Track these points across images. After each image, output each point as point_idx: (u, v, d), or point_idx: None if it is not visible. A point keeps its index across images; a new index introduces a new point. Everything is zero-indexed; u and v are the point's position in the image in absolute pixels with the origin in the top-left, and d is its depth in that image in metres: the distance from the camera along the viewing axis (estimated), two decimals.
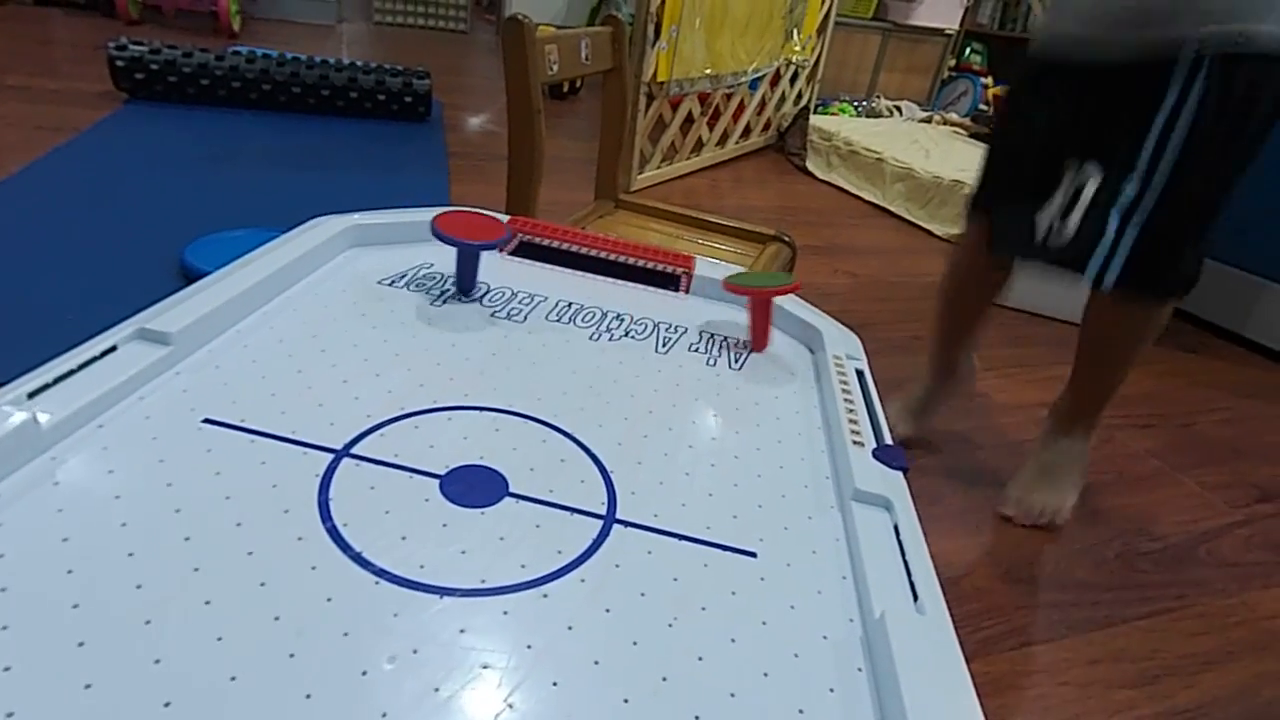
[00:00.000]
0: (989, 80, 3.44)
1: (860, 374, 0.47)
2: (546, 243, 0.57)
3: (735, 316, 0.54)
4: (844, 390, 0.44)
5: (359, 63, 2.32)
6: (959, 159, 2.47)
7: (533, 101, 0.81)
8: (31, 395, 0.30)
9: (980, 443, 1.23)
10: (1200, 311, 1.83)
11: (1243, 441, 1.36)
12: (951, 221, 2.22)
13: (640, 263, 0.57)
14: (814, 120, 2.76)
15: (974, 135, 2.89)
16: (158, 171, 1.73)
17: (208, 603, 0.24)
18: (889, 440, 0.40)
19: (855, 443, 0.39)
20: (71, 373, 0.32)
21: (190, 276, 1.25)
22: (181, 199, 1.62)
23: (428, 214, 0.56)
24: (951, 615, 0.30)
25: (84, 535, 0.26)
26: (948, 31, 3.37)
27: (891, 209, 2.39)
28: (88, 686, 0.21)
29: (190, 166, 1.80)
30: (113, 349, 0.34)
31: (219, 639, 0.23)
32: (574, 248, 0.57)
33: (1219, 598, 0.95)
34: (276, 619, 0.24)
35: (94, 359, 0.33)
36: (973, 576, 0.92)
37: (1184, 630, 0.89)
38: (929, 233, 2.26)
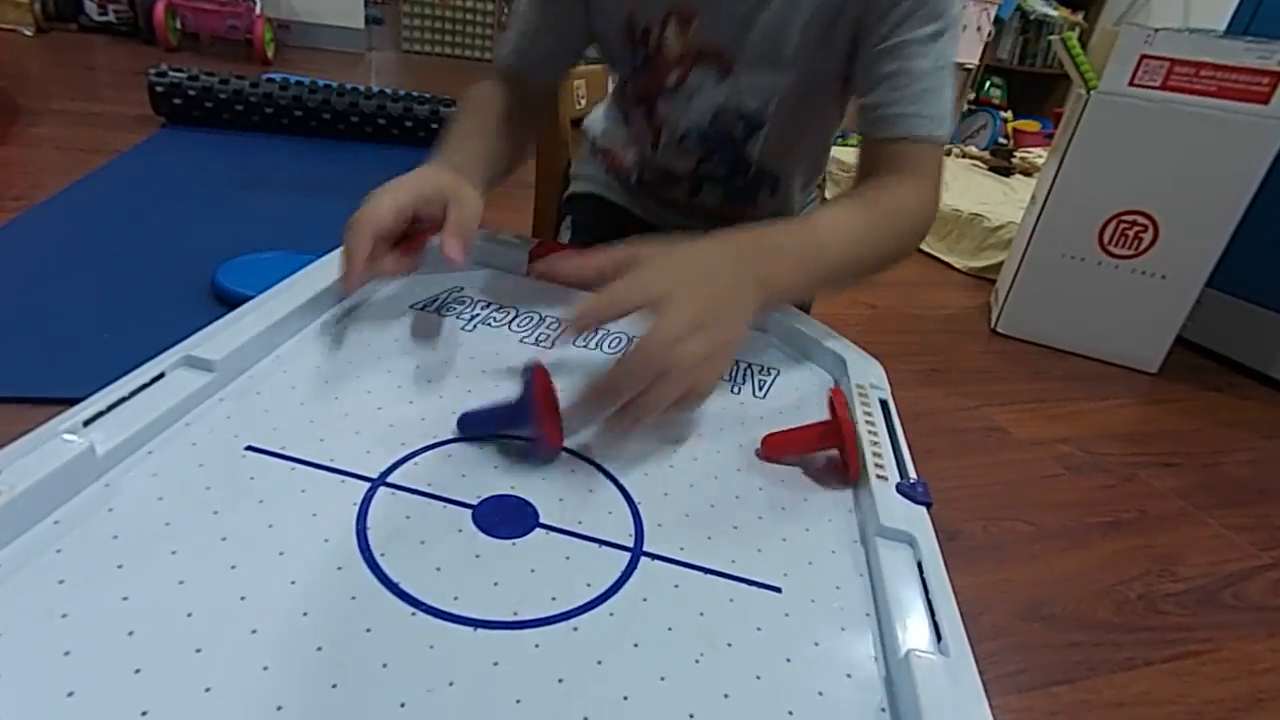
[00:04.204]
0: (1008, 114, 3.45)
1: (884, 404, 0.47)
2: None
3: (757, 344, 0.55)
4: (867, 421, 0.44)
5: (388, 90, 2.39)
6: (978, 192, 2.48)
7: (561, 135, 0.84)
8: (87, 423, 0.32)
9: (998, 478, 1.22)
10: (1226, 350, 1.81)
11: (1269, 483, 1.34)
12: (971, 254, 2.22)
13: None
14: (834, 152, 2.78)
15: (993, 168, 2.90)
16: (192, 194, 1.79)
17: (254, 632, 0.25)
18: (913, 474, 0.41)
19: (879, 476, 0.39)
20: (123, 400, 0.33)
21: (221, 297, 1.28)
22: (214, 221, 1.66)
23: None
24: (972, 654, 0.30)
25: (137, 562, 0.27)
26: (967, 66, 3.40)
27: None
28: (144, 714, 0.22)
29: (223, 190, 1.85)
30: (160, 376, 0.36)
31: (265, 668, 0.24)
32: None
33: (1246, 642, 0.93)
34: (319, 649, 0.25)
35: (143, 386, 0.35)
36: (992, 614, 0.90)
37: (1210, 675, 0.87)
38: (948, 265, 2.26)
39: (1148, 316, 1.67)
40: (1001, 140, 3.29)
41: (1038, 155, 2.89)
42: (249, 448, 0.34)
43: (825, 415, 0.43)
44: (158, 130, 2.16)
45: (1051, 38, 3.58)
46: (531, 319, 0.51)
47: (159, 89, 2.15)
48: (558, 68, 0.65)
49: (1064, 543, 1.08)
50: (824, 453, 0.43)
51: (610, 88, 0.80)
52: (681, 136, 0.65)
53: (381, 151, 2.33)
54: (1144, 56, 1.47)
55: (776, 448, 0.42)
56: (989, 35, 3.38)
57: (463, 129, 0.58)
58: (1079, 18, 3.72)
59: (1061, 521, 1.13)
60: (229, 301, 1.26)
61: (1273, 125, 1.45)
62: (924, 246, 2.35)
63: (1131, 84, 1.50)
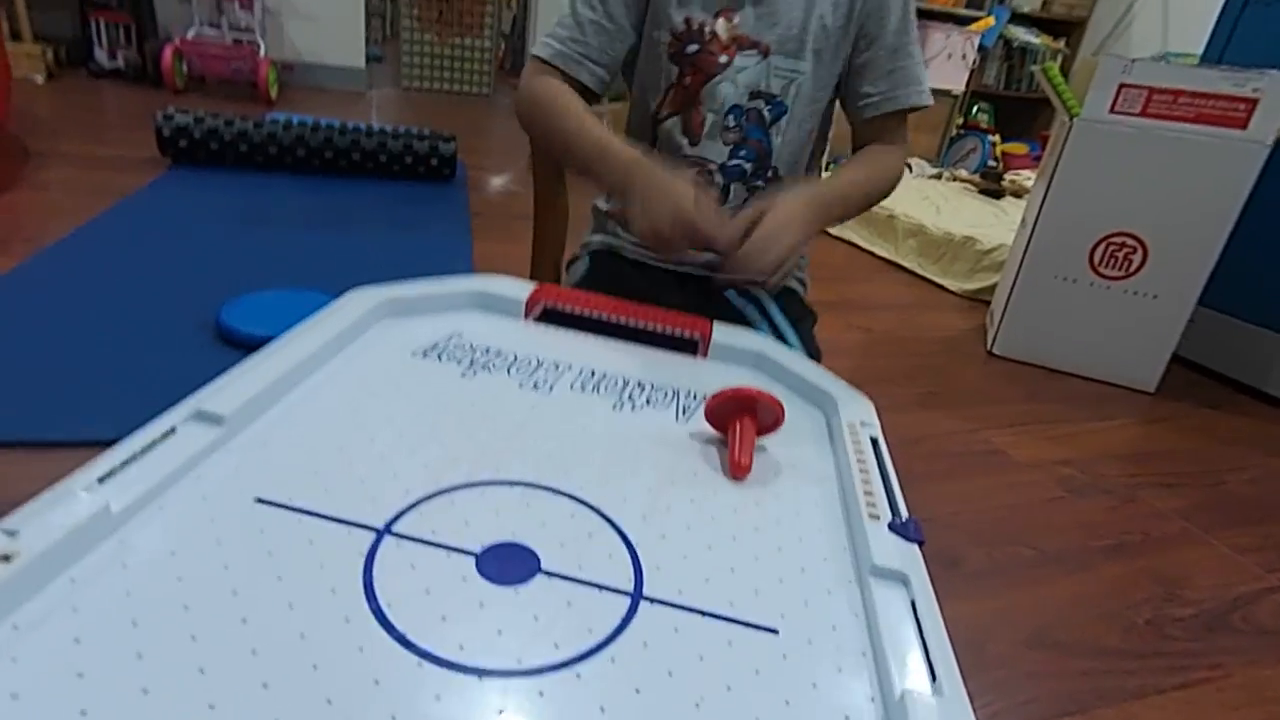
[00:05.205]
0: (996, 138, 3.51)
1: (875, 442, 0.48)
2: (571, 310, 0.60)
3: (750, 381, 0.56)
4: (859, 460, 0.45)
5: (388, 128, 2.44)
6: (970, 215, 2.51)
7: (558, 180, 0.86)
8: (102, 480, 0.33)
9: (999, 502, 1.23)
10: (1223, 368, 1.82)
11: (1272, 501, 1.34)
12: (965, 277, 2.25)
13: (660, 328, 0.59)
14: (826, 178, 2.82)
15: (983, 191, 2.94)
16: (197, 234, 1.82)
17: (265, 686, 0.26)
18: (904, 512, 0.41)
19: (871, 515, 0.40)
20: (136, 456, 0.34)
21: (225, 335, 1.29)
22: (219, 260, 1.69)
23: (454, 284, 0.60)
24: (978, 683, 0.31)
25: (151, 619, 0.28)
26: (954, 92, 3.47)
27: (904, 264, 2.42)
28: None
29: (229, 229, 1.88)
30: (172, 431, 0.37)
31: None
32: (597, 314, 0.60)
33: (1258, 667, 0.92)
34: (329, 702, 0.26)
35: (155, 442, 0.36)
36: (997, 642, 0.90)
37: (1223, 702, 0.86)
38: (942, 288, 2.28)
39: (1142, 336, 1.68)
40: (991, 163, 3.34)
41: (1027, 177, 2.93)
42: (258, 500, 0.35)
43: (824, 457, 0.44)
44: (165, 171, 2.20)
45: (1034, 68, 3.65)
46: (529, 364, 0.53)
47: (165, 133, 2.19)
48: (599, 79, 0.77)
49: (1068, 567, 1.08)
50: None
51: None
52: (726, 113, 0.78)
53: (383, 187, 2.37)
54: (1123, 85, 1.51)
55: (739, 465, 0.44)
56: (974, 63, 3.45)
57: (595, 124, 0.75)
58: (1061, 44, 3.80)
59: (1064, 545, 1.13)
60: (233, 340, 1.28)
61: (1252, 148, 1.48)
62: (918, 269, 2.37)
63: (1112, 111, 1.54)
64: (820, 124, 0.82)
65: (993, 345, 1.82)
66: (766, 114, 0.77)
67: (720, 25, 0.75)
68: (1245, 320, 1.76)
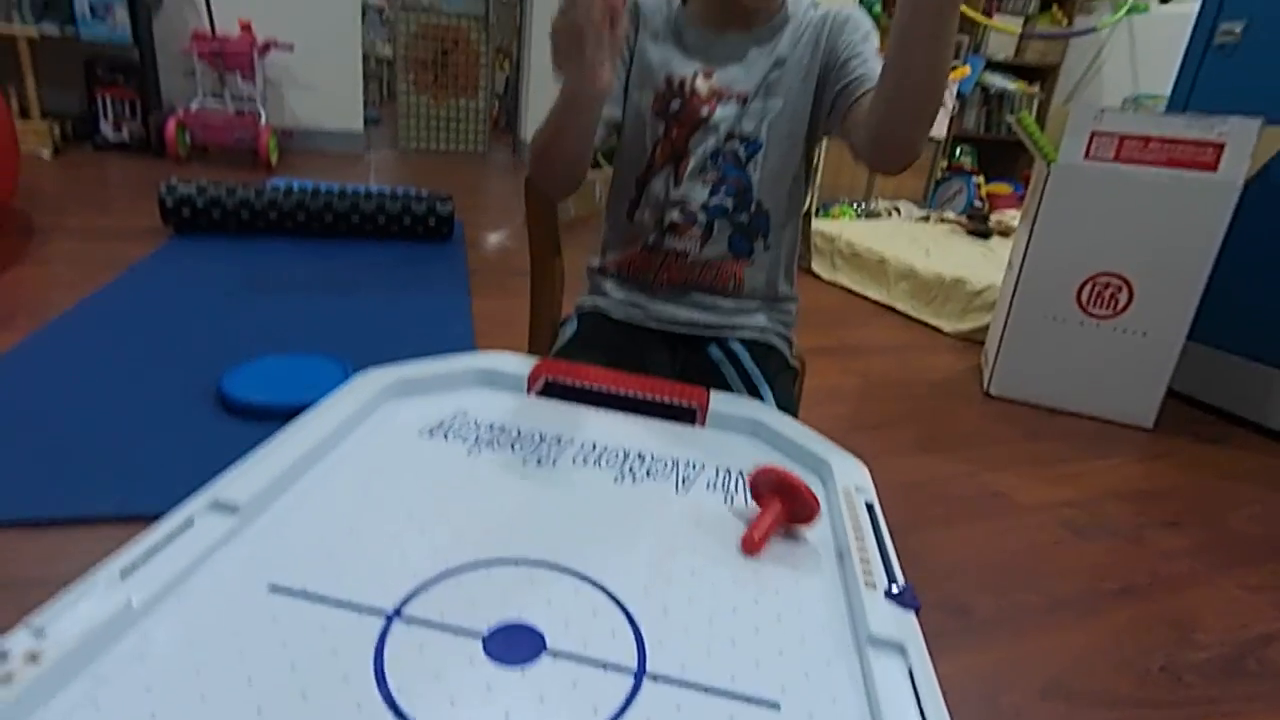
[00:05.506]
0: (981, 179, 3.61)
1: (870, 507, 0.49)
2: (571, 384, 0.62)
3: (748, 448, 0.58)
4: (854, 527, 0.46)
5: (386, 190, 2.51)
6: (958, 257, 2.56)
7: (553, 246, 0.89)
8: (124, 575, 0.34)
9: (1003, 546, 1.22)
10: (1218, 402, 1.83)
11: (1278, 539, 1.33)
12: (957, 317, 2.28)
13: (659, 398, 0.61)
14: (816, 224, 2.90)
15: (971, 232, 3.01)
16: (199, 303, 1.85)
17: None
18: (900, 579, 0.42)
19: (868, 584, 0.41)
20: (156, 549, 0.36)
21: (227, 404, 1.31)
22: (222, 328, 1.72)
23: (458, 363, 0.62)
24: None
25: (169, 711, 0.29)
26: (936, 137, 3.58)
27: (897, 307, 2.46)
28: None
29: (231, 296, 1.92)
30: (190, 522, 0.38)
31: None
32: (597, 388, 0.61)
33: (1276, 713, 0.91)
34: None
35: (174, 533, 0.37)
36: (1010, 694, 0.89)
37: None
38: (936, 329, 2.31)
39: (1136, 373, 1.70)
40: (977, 204, 3.43)
41: (1013, 217, 3.01)
42: (272, 587, 0.36)
43: (821, 523, 0.45)
44: (167, 241, 2.25)
45: (1009, 119, 3.79)
46: (532, 439, 0.54)
47: (168, 203, 2.26)
48: (600, 137, 0.81)
49: (1078, 613, 1.07)
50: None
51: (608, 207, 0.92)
52: (706, 157, 0.82)
53: (382, 248, 2.42)
54: (1095, 133, 1.57)
55: (752, 541, 0.45)
56: (954, 110, 3.57)
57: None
58: (1036, 89, 3.95)
59: (1073, 590, 1.12)
60: (234, 409, 1.29)
61: (1224, 189, 1.53)
62: (911, 312, 2.41)
63: (1087, 157, 1.60)
64: (803, 158, 0.84)
65: (989, 386, 1.84)
66: (741, 152, 0.82)
67: (700, 81, 0.81)
68: (1236, 354, 1.78)
